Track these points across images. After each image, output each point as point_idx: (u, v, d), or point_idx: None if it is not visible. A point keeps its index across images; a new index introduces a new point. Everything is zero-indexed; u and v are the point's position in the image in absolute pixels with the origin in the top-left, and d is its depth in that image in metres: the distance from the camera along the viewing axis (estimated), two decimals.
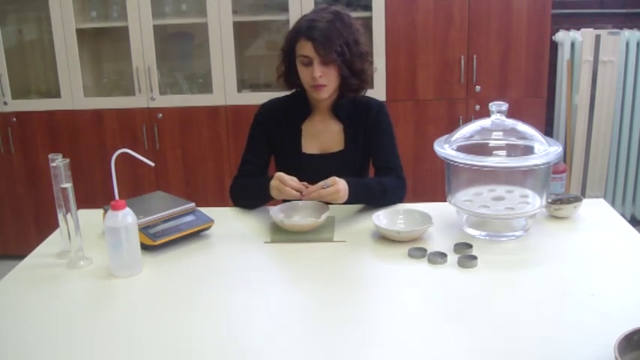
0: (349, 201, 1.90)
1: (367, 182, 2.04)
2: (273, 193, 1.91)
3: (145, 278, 1.64)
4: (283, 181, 1.87)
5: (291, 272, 1.69)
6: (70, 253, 1.72)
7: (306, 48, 1.96)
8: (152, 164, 1.74)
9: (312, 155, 2.11)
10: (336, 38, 1.94)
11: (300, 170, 1.98)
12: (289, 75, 2.09)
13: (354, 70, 2.01)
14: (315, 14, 2.00)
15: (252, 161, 2.13)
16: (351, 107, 2.11)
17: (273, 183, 1.89)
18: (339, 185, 1.86)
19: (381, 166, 2.11)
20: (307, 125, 2.12)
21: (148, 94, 3.33)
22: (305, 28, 1.96)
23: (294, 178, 1.89)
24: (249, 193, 2.05)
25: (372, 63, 2.09)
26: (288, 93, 2.17)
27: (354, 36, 1.99)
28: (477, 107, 3.31)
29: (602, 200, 2.10)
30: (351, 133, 2.11)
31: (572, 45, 3.51)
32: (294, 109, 2.13)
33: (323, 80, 1.97)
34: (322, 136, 2.11)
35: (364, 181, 2.06)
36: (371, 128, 2.10)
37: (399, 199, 2.04)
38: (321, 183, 1.86)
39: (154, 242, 1.73)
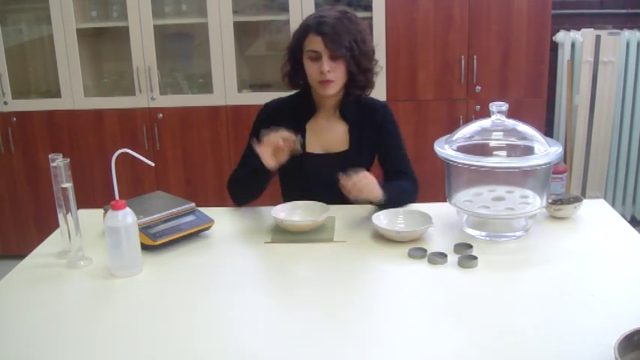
0: (383, 200, 1.88)
1: (395, 187, 1.99)
2: (266, 158, 1.89)
3: (145, 278, 1.64)
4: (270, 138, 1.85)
5: (291, 272, 1.69)
6: (70, 253, 1.72)
7: (315, 43, 1.96)
8: (152, 164, 1.74)
9: (315, 155, 2.10)
10: (345, 34, 1.95)
11: (303, 170, 1.97)
12: (294, 74, 2.08)
13: (361, 68, 2.01)
14: (323, 12, 2.01)
15: (252, 157, 2.12)
16: (355, 107, 2.10)
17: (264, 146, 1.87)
18: (369, 177, 1.85)
19: (392, 169, 2.09)
20: (311, 124, 2.11)
21: (148, 94, 3.33)
22: (314, 24, 1.97)
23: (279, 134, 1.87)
24: (244, 179, 2.02)
25: (377, 62, 2.09)
26: (290, 93, 2.16)
27: (361, 34, 2.00)
28: (478, 107, 3.30)
29: (602, 201, 2.10)
30: (355, 134, 2.10)
31: (573, 45, 3.51)
32: (299, 108, 2.12)
33: (331, 76, 1.97)
34: (326, 135, 2.10)
35: (391, 185, 2.00)
36: (377, 129, 2.09)
37: (412, 202, 2.03)
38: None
39: (154, 242, 1.73)
